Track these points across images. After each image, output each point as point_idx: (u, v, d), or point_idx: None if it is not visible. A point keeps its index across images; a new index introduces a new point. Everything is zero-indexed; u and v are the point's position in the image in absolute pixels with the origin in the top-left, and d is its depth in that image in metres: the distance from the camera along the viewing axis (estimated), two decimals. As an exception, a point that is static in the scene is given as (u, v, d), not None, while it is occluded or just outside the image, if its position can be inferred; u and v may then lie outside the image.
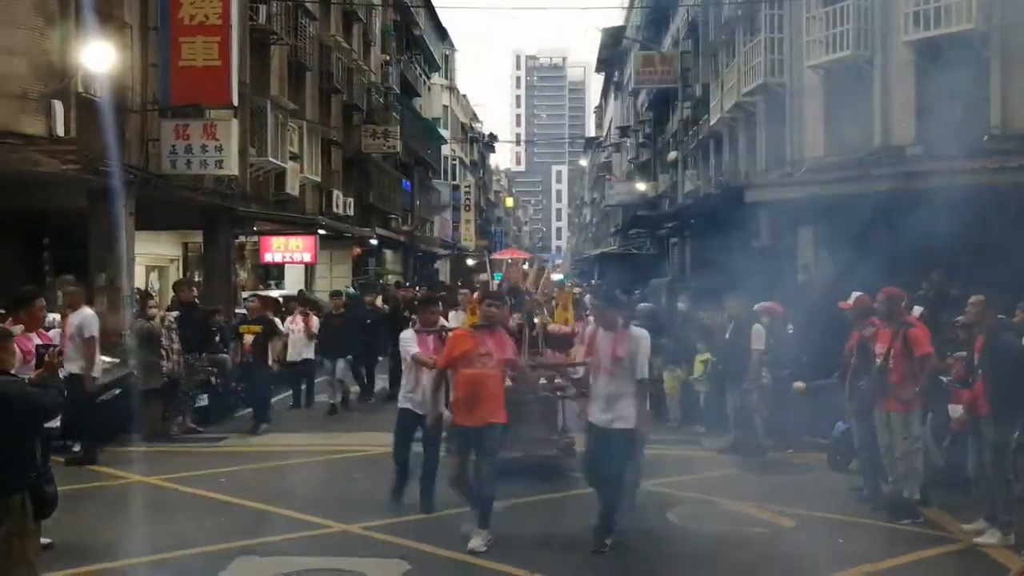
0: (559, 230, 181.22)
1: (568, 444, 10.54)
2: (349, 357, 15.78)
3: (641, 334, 7.79)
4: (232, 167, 18.43)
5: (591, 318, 10.68)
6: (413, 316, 14.70)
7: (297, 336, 15.83)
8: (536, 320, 11.10)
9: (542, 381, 10.35)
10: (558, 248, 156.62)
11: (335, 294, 18.03)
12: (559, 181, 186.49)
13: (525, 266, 12.49)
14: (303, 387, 16.09)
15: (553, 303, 11.83)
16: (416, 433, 9.02)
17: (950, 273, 12.96)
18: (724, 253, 25.70)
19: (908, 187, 15.92)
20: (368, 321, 16.98)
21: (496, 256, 61.93)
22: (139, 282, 19.85)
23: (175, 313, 13.43)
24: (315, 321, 16.23)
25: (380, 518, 8.70)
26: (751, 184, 22.12)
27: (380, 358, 17.53)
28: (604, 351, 7.67)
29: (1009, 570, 6.92)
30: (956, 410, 8.76)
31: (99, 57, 15.20)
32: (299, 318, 16.16)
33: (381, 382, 17.09)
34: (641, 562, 7.48)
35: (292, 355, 15.78)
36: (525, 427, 9.87)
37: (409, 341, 9.16)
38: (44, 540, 7.44)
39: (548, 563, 7.33)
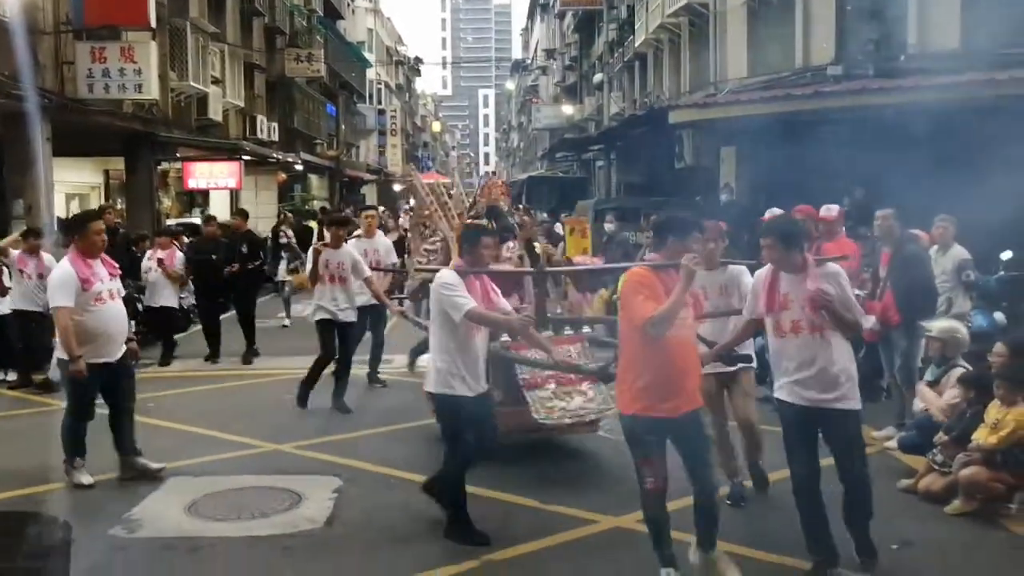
0: (487, 155, 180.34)
1: None
2: None
3: (839, 269, 5.62)
4: (152, 91, 18.04)
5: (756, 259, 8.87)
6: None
7: (156, 276, 12.81)
8: (538, 248, 8.66)
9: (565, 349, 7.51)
10: (486, 173, 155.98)
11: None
12: (486, 105, 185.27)
13: (455, 191, 9.90)
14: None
15: (558, 229, 9.51)
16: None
17: (871, 189, 13.33)
18: (649, 174, 26.07)
19: (828, 106, 16.23)
20: (213, 257, 13.25)
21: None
22: (59, 210, 19.45)
23: None
24: (178, 256, 13.11)
25: (311, 437, 8.85)
26: (675, 106, 22.30)
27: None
28: (798, 301, 5.44)
29: (916, 472, 7.30)
30: (869, 321, 9.10)
31: (7, -24, 14.69)
32: (158, 253, 12.91)
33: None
34: (572, 473, 7.69)
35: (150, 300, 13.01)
36: None
37: (456, 288, 5.97)
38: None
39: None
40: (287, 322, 16.53)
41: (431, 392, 6.22)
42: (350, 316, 10.07)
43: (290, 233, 17.96)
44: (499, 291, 6.48)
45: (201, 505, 6.97)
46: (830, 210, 9.50)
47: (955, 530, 6.40)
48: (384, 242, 11.64)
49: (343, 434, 9.03)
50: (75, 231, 7.58)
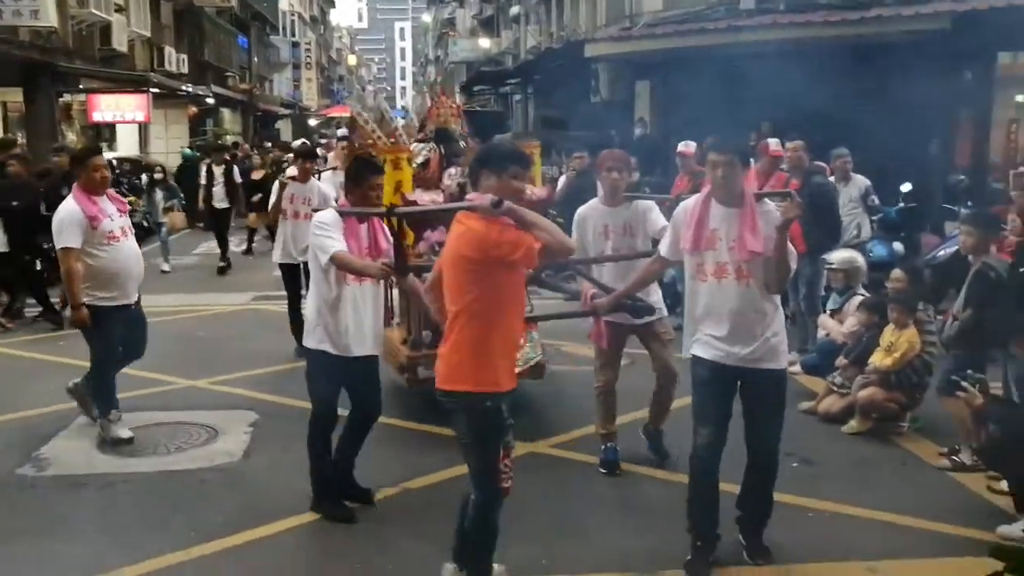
0: (404, 89, 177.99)
1: None
2: None
3: (775, 209, 4.68)
4: (50, 18, 17.46)
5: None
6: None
7: None
8: None
9: None
10: (403, 108, 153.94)
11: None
12: (403, 39, 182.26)
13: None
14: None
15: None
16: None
17: (781, 124, 13.52)
18: (565, 109, 26.09)
19: (740, 40, 16.38)
20: (15, 203, 10.93)
21: (327, 112, 59.81)
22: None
23: None
24: None
25: (226, 373, 8.84)
26: (591, 39, 22.29)
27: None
28: (727, 240, 4.63)
29: (816, 394, 7.60)
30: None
31: None
32: None
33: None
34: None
35: None
36: None
37: (328, 229, 5.30)
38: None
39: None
40: (166, 267, 15.08)
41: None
42: None
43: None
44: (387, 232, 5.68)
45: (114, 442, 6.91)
46: (780, 146, 9.17)
47: (852, 448, 6.74)
48: None
49: (258, 369, 9.01)
50: (76, 165, 7.00)
